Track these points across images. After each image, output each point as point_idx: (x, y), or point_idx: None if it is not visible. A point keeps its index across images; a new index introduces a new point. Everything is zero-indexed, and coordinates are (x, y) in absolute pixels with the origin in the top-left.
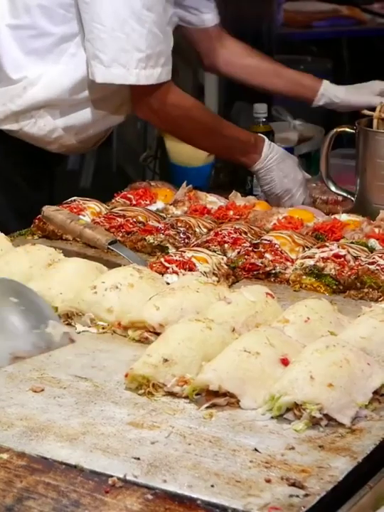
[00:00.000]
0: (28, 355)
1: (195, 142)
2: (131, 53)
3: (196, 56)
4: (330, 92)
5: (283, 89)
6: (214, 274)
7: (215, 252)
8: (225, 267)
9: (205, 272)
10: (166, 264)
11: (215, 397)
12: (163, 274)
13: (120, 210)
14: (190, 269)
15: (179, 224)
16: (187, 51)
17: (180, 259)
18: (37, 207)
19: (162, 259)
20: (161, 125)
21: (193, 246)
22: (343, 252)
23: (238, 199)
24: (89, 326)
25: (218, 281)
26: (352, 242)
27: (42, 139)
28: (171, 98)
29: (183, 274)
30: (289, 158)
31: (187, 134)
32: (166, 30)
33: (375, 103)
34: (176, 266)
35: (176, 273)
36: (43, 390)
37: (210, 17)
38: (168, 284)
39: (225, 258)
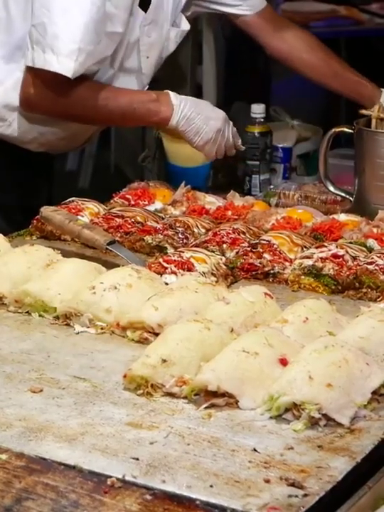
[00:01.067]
0: None
1: (92, 121)
2: (65, 42)
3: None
4: None
5: (340, 92)
6: (212, 274)
7: (213, 252)
8: (224, 267)
9: (203, 273)
10: (165, 265)
11: (213, 398)
12: (161, 275)
13: (118, 211)
14: (189, 270)
15: (178, 224)
16: (183, 50)
17: (179, 259)
18: (35, 207)
19: (161, 260)
20: (50, 115)
21: (191, 246)
22: (341, 252)
23: (236, 199)
24: (88, 327)
25: (217, 282)
26: (350, 242)
27: (18, 139)
28: (76, 93)
29: (182, 275)
30: (201, 101)
31: (79, 118)
32: (102, 36)
33: None
34: (175, 266)
35: (175, 273)
36: (41, 391)
37: (252, 3)
38: (166, 284)
39: (223, 258)
